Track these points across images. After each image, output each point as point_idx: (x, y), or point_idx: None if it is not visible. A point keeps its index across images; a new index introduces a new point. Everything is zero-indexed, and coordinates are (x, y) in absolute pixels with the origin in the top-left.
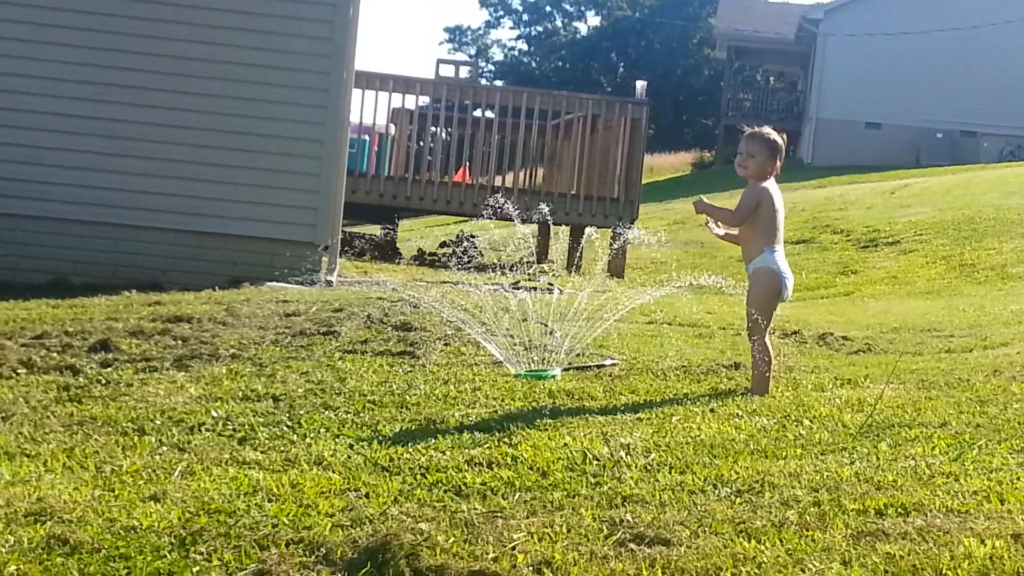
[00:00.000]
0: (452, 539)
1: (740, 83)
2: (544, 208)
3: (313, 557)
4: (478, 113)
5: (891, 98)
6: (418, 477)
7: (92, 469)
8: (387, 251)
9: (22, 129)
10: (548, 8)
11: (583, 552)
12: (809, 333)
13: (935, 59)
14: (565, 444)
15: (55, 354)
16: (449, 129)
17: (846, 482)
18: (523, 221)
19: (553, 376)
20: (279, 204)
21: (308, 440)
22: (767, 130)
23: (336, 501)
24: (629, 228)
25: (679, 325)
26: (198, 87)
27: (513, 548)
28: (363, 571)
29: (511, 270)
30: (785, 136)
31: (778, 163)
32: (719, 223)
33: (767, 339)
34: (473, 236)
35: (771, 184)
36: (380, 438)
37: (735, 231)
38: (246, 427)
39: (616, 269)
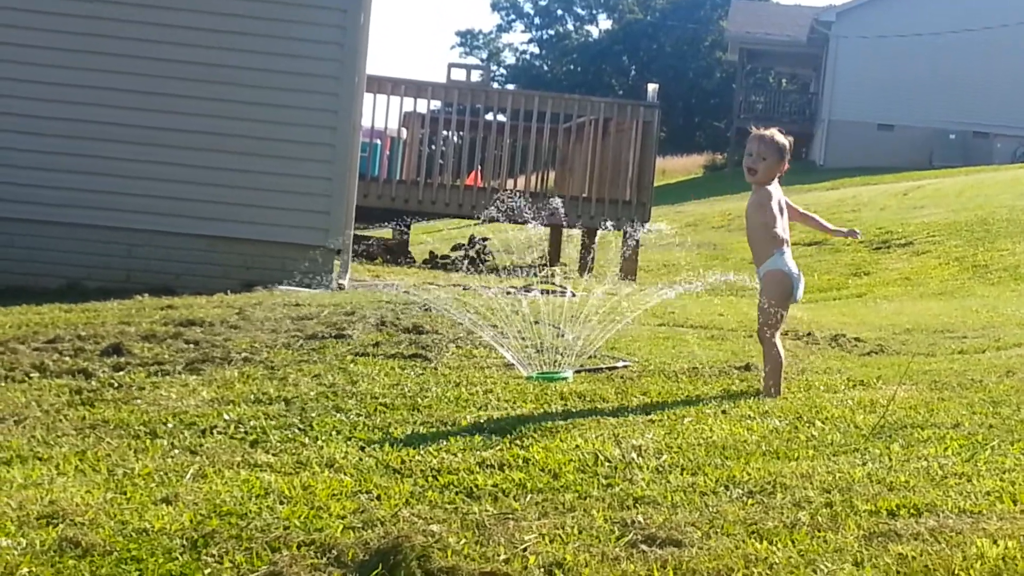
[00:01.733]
0: (463, 541)
1: (752, 85)
2: (558, 206)
3: (325, 559)
4: (490, 117)
5: (903, 100)
6: (430, 479)
7: (104, 472)
8: (399, 254)
9: (34, 135)
10: (559, 11)
11: (595, 553)
12: (822, 334)
13: (947, 60)
14: (577, 446)
15: (68, 358)
16: (461, 133)
17: (858, 483)
18: (535, 224)
19: (565, 378)
20: (291, 208)
21: (320, 443)
22: (776, 132)
23: (348, 503)
24: (641, 229)
25: (691, 327)
26: (210, 92)
27: (524, 550)
28: (374, 573)
29: (523, 273)
30: (791, 139)
31: (785, 165)
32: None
33: (778, 341)
34: (485, 239)
35: (775, 187)
36: (392, 440)
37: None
38: (258, 430)
39: (628, 271)
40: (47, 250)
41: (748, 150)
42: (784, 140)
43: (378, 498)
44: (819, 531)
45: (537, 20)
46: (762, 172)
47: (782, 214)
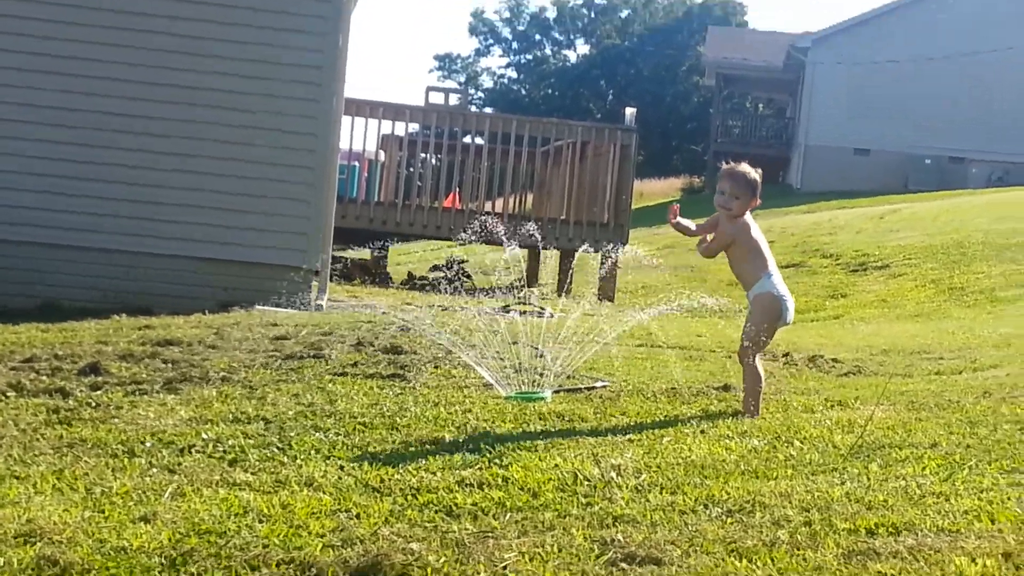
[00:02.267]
0: (443, 559)
1: (729, 110)
2: (534, 230)
3: None
4: (468, 140)
5: (879, 125)
6: (409, 498)
7: (82, 491)
8: (377, 275)
9: (10, 156)
10: (537, 36)
11: (574, 572)
12: (799, 355)
13: (922, 86)
14: (556, 465)
15: (45, 377)
16: (439, 155)
17: (837, 502)
18: (512, 246)
19: (543, 398)
20: (269, 229)
21: (299, 461)
22: (747, 169)
23: (327, 522)
24: (620, 250)
25: (669, 347)
26: (188, 114)
27: (504, 568)
28: None
29: (502, 294)
30: (760, 171)
31: (757, 201)
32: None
33: (758, 362)
34: (463, 260)
35: (749, 217)
36: (371, 459)
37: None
38: (236, 449)
39: (606, 292)
40: (23, 270)
41: (720, 188)
42: (755, 175)
43: (357, 516)
44: (798, 549)
45: (515, 45)
46: (738, 209)
47: (760, 239)
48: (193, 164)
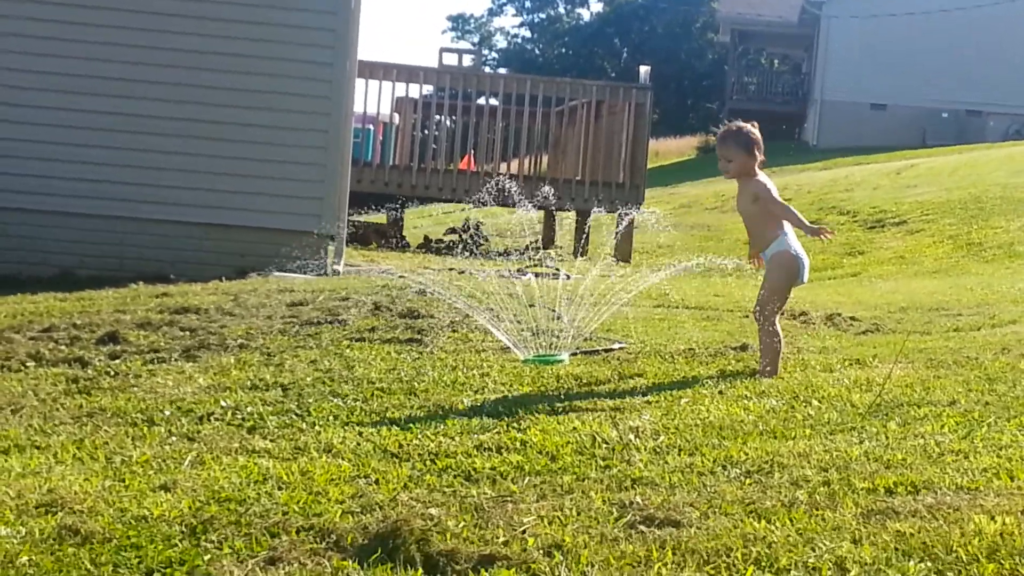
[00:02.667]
0: (462, 524)
1: (744, 67)
2: (549, 193)
3: (324, 544)
4: (482, 101)
5: (896, 79)
6: (427, 463)
7: (102, 460)
8: (393, 239)
9: (27, 124)
10: None
11: (593, 535)
12: (817, 314)
13: (939, 39)
14: (574, 428)
15: (63, 347)
16: (453, 117)
17: (855, 461)
18: (527, 207)
19: (561, 361)
20: (285, 195)
21: (317, 428)
22: (733, 126)
23: (346, 488)
24: (636, 211)
25: (686, 308)
26: (203, 80)
27: (523, 532)
28: (373, 557)
29: (518, 256)
30: (750, 124)
31: (758, 155)
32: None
33: (777, 322)
34: (480, 223)
35: (762, 176)
36: (389, 425)
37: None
38: (255, 416)
39: (623, 253)
40: (39, 239)
41: (718, 155)
42: (739, 128)
43: (376, 482)
44: (817, 509)
45: (528, 4)
46: (736, 170)
47: (774, 199)
48: (207, 130)
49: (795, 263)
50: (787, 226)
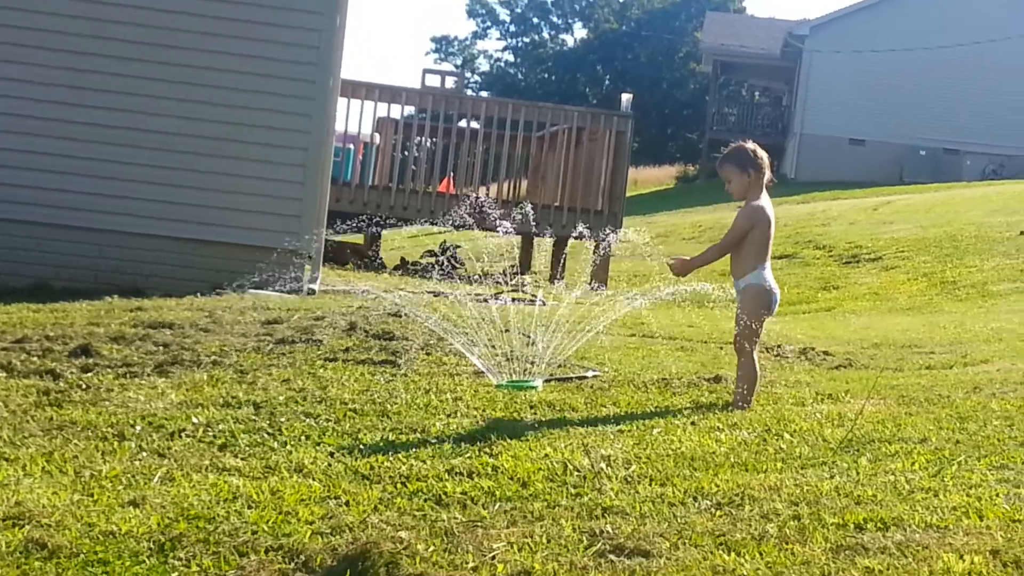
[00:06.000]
0: (432, 548)
1: (725, 97)
2: (529, 212)
3: (292, 564)
4: (463, 123)
5: (875, 115)
6: (398, 486)
7: (71, 474)
8: (370, 260)
9: (3, 133)
10: (535, 20)
11: (562, 563)
12: (790, 348)
13: (919, 77)
14: (546, 455)
15: (35, 358)
16: (434, 139)
17: (826, 496)
18: (506, 232)
19: (534, 387)
20: (263, 211)
21: (288, 447)
22: (732, 148)
23: (316, 509)
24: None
25: (661, 338)
26: (184, 93)
27: (493, 557)
28: None
29: (495, 280)
30: (751, 144)
31: (763, 173)
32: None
33: (755, 354)
34: (457, 246)
35: (764, 199)
36: (361, 446)
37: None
38: (227, 434)
39: (599, 280)
40: (14, 249)
41: (722, 178)
42: (740, 147)
43: (347, 504)
44: (787, 544)
45: (512, 28)
46: (737, 190)
47: (771, 231)
48: (186, 144)
49: (768, 296)
50: (767, 261)
